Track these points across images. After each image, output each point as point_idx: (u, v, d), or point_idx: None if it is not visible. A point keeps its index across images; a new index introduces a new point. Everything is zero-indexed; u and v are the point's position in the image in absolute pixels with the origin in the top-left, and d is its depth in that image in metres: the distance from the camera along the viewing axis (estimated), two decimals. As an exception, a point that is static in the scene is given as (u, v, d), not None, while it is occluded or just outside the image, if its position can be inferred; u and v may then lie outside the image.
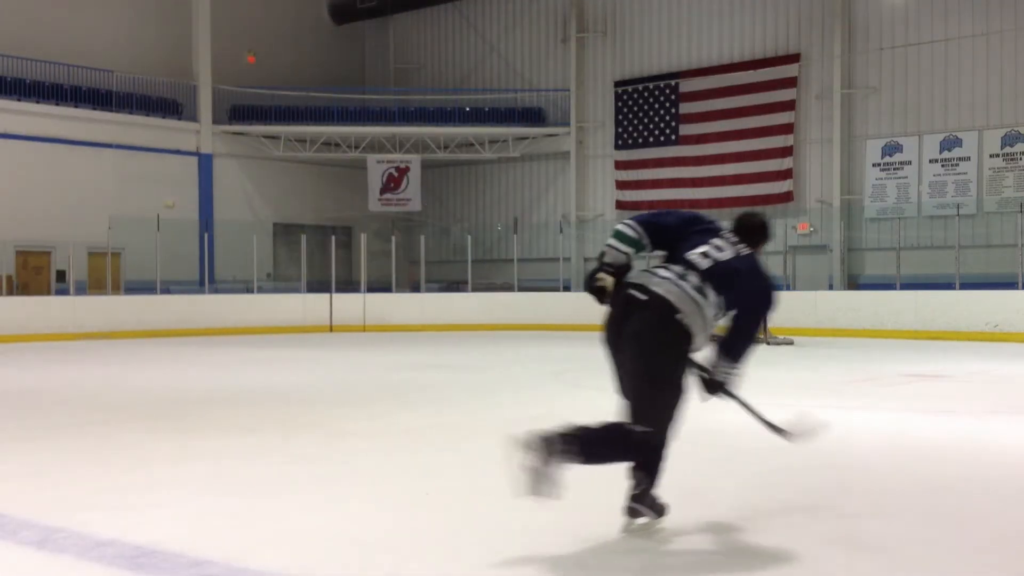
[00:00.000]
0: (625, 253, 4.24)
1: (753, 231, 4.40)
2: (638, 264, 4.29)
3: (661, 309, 4.04)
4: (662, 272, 4.18)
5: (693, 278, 4.12)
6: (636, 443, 4.07)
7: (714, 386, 4.21)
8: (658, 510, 4.22)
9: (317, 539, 4.19)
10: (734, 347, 4.20)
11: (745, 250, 4.30)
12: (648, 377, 4.06)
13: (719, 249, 4.22)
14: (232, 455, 6.36)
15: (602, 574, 3.74)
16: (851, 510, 4.72)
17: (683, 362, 4.11)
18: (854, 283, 23.99)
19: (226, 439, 7.02)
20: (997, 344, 16.98)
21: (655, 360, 4.05)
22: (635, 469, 4.16)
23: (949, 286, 19.95)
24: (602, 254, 4.27)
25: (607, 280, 4.20)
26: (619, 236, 4.27)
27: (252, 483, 5.41)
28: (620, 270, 4.24)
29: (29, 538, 4.19)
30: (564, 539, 4.10)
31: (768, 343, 16.97)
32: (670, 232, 4.30)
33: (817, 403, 8.97)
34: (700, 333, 4.10)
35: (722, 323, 4.29)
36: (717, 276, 4.13)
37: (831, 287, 23.62)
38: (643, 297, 4.09)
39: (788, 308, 19.69)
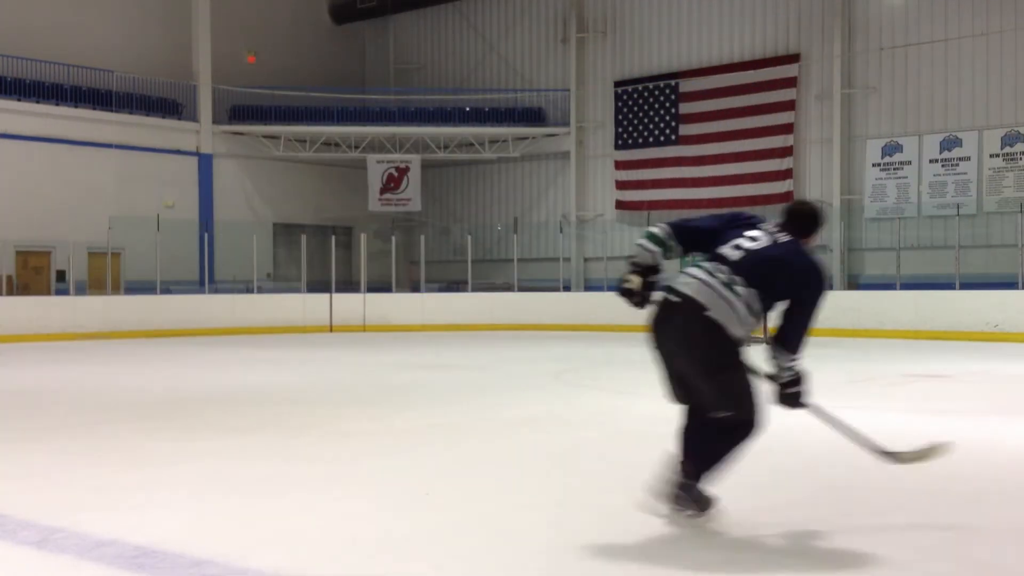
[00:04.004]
0: (651, 252, 4.18)
1: (799, 218, 4.23)
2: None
3: (689, 309, 4.01)
4: (692, 271, 4.13)
5: (722, 274, 4.05)
6: (732, 426, 4.13)
7: (788, 397, 4.23)
8: (703, 503, 4.24)
9: (317, 539, 4.19)
10: (787, 337, 4.14)
11: (785, 238, 4.16)
12: (702, 369, 4.07)
13: (753, 240, 4.12)
14: (232, 455, 6.35)
15: (603, 573, 3.74)
16: (850, 510, 4.72)
17: (729, 348, 4.06)
18: (854, 283, 23.99)
19: (226, 439, 7.02)
20: (997, 344, 16.98)
21: (701, 355, 4.06)
22: (685, 460, 4.19)
23: (949, 286, 19.94)
24: (632, 256, 4.23)
25: (633, 280, 4.16)
26: (648, 236, 4.23)
27: (252, 483, 5.41)
28: (648, 271, 4.18)
29: (29, 538, 4.19)
30: (564, 539, 4.10)
31: (768, 343, 16.97)
32: (704, 233, 4.22)
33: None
34: (734, 327, 4.03)
35: (767, 324, 4.31)
36: (748, 266, 4.04)
37: (831, 287, 23.57)
38: (675, 299, 4.07)
39: (788, 308, 19.84)
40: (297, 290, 23.56)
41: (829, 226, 24.47)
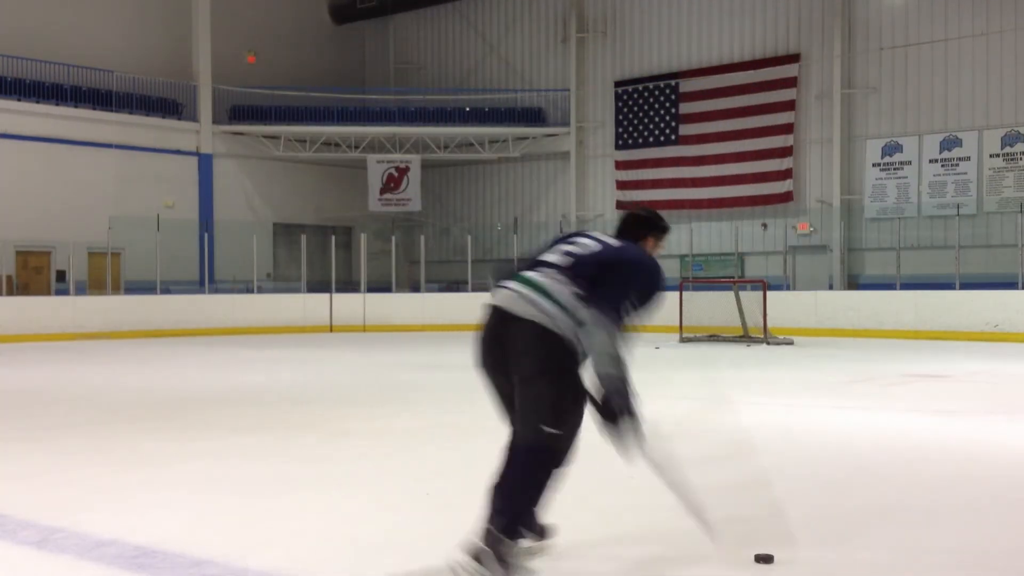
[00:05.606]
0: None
1: (630, 224, 4.01)
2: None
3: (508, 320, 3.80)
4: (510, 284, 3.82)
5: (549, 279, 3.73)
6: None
7: (612, 417, 3.92)
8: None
9: (317, 539, 4.19)
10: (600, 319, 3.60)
11: (619, 242, 3.90)
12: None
13: (585, 245, 3.82)
14: (232, 455, 6.35)
15: (603, 572, 3.74)
16: (851, 510, 4.72)
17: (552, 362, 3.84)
18: (854, 283, 23.98)
19: (226, 439, 7.02)
20: (997, 344, 16.98)
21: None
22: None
23: (949, 286, 19.94)
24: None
25: None
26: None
27: (252, 483, 5.41)
28: None
29: (29, 538, 4.19)
30: (565, 539, 4.10)
31: (768, 343, 16.98)
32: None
33: (817, 403, 8.98)
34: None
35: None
36: (579, 267, 3.72)
37: (831, 287, 23.61)
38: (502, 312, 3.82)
39: (788, 308, 19.88)
40: (297, 290, 23.56)
41: (829, 226, 24.48)
